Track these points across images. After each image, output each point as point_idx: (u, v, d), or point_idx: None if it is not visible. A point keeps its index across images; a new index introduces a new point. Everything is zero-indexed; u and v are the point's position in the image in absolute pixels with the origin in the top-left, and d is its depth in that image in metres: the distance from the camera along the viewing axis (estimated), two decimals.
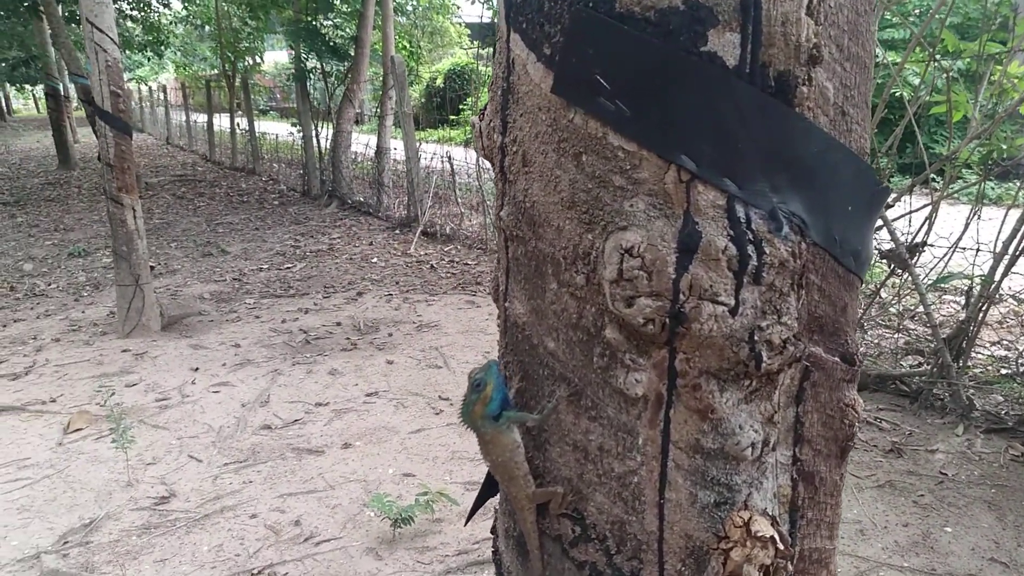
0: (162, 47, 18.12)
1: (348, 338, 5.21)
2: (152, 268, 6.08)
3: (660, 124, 0.69)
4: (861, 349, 0.86)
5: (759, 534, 0.76)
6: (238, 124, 14.69)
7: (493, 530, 1.02)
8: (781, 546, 0.76)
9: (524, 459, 0.89)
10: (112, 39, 4.89)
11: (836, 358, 0.83)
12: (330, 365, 4.68)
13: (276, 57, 22.59)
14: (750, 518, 0.77)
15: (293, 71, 11.10)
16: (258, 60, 16.45)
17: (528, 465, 0.90)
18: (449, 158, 8.39)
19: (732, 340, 0.72)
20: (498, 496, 1.01)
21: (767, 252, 0.70)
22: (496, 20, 0.86)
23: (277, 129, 14.15)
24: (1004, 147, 3.99)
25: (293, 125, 11.48)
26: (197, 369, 4.62)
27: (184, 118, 19.14)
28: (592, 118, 0.72)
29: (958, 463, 3.49)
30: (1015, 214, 3.91)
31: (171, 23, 18.95)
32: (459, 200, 8.54)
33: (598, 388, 0.80)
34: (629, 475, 0.80)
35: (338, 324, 5.52)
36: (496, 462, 0.90)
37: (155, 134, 23.48)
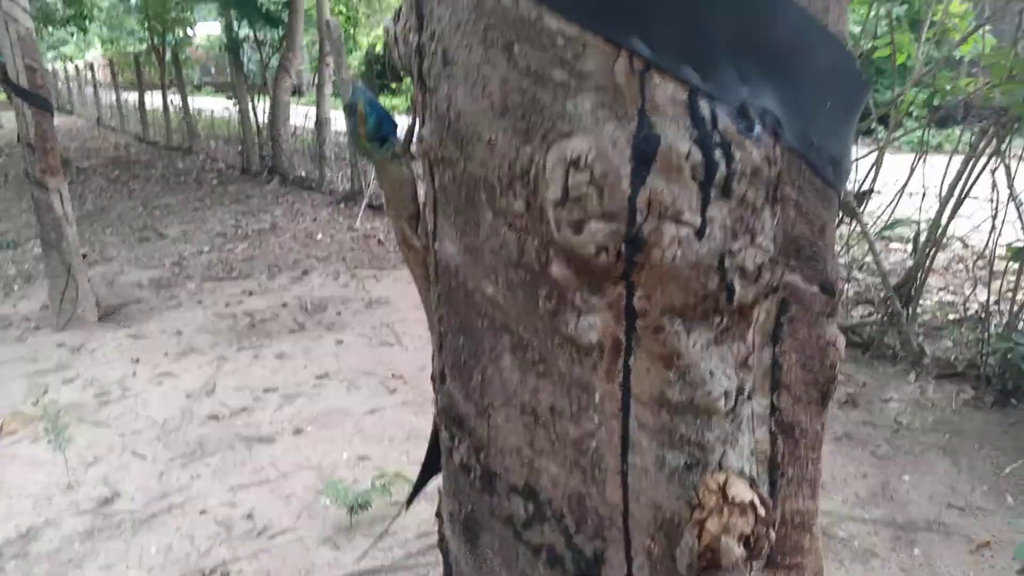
0: (86, 21, 17.18)
1: (295, 319, 5.03)
2: (85, 256, 5.77)
3: None
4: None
5: (737, 499, 0.64)
6: (171, 101, 14.06)
7: (438, 513, 0.89)
8: (762, 511, 0.65)
9: (415, 197, 0.84)
10: (23, 7, 4.54)
11: (815, 288, 0.71)
12: (278, 348, 4.51)
13: (209, 28, 21.60)
14: (726, 481, 0.65)
15: (225, 41, 10.63)
16: (189, 32, 15.74)
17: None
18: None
19: (699, 268, 0.59)
20: (441, 476, 0.87)
21: (737, 157, 0.58)
22: None
23: (213, 105, 13.58)
24: (948, 88, 4.00)
25: (229, 99, 11.01)
26: (138, 360, 4.40)
27: (114, 97, 18.15)
28: None
29: (912, 411, 3.52)
30: (959, 160, 3.93)
31: None
32: None
33: (546, 338, 0.67)
34: (586, 439, 0.67)
35: (284, 305, 5.33)
36: (388, 196, 0.85)
37: (85, 115, 22.34)
